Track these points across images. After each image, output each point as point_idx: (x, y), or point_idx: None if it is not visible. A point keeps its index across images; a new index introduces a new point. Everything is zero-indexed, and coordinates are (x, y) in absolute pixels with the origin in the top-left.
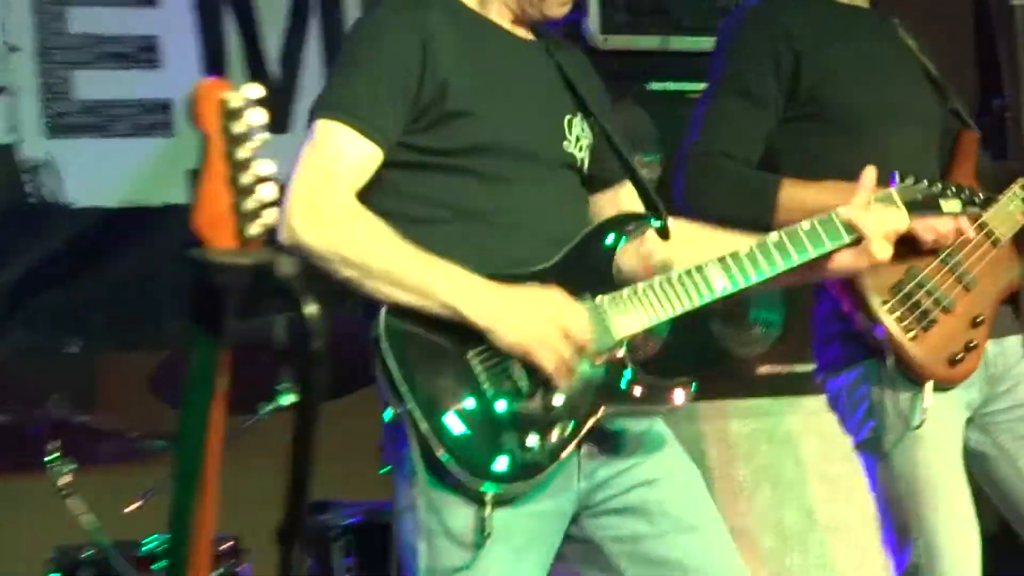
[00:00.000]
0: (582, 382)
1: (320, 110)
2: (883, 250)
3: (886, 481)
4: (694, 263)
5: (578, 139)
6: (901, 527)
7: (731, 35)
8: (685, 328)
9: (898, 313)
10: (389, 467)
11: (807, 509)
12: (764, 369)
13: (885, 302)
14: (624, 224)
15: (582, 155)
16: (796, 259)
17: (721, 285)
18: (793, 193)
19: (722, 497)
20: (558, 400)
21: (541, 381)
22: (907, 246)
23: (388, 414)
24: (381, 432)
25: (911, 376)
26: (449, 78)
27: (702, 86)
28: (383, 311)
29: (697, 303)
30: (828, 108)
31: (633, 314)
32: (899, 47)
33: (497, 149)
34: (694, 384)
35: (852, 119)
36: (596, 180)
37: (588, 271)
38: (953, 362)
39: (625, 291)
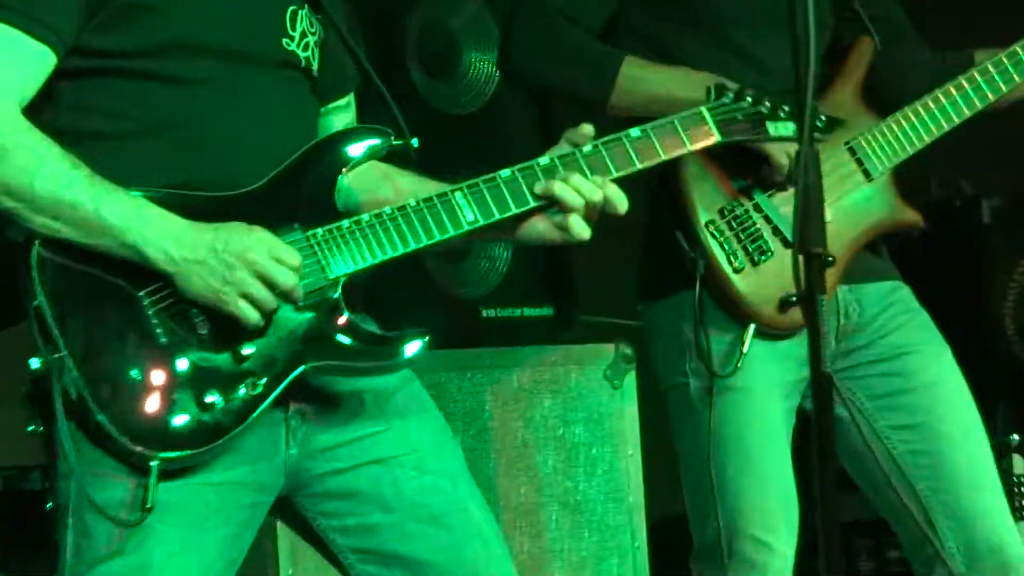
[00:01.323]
0: (281, 329)
1: None
2: (582, 228)
3: (690, 437)
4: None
5: (304, 35)
6: (702, 496)
7: None
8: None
9: (724, 237)
10: (35, 426)
11: (539, 482)
12: (489, 313)
13: (710, 223)
14: (351, 141)
15: (308, 54)
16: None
17: (471, 216)
18: (635, 72)
19: None
20: (248, 350)
21: (227, 327)
22: (750, 162)
23: (35, 362)
24: (29, 383)
25: (733, 315)
26: None
27: None
28: (37, 240)
29: (436, 237)
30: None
31: (354, 250)
32: None
33: (190, 47)
34: (426, 336)
35: (701, 11)
36: (327, 88)
37: (303, 198)
38: (785, 305)
39: (346, 223)
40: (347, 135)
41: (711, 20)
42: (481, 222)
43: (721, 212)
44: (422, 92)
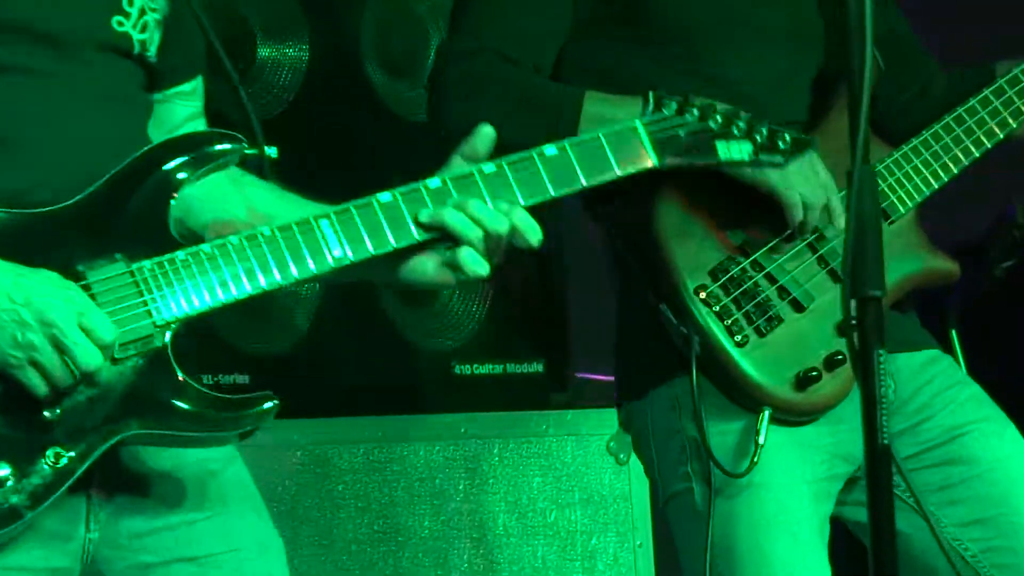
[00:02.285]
0: (94, 387)
1: None
2: (478, 264)
3: (699, 556)
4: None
5: (143, 13)
6: None
7: None
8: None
9: (720, 306)
10: None
11: None
12: (464, 369)
13: (701, 288)
14: (193, 149)
15: (144, 36)
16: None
17: (339, 252)
18: (599, 109)
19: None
20: (50, 414)
21: (18, 389)
22: (741, 200)
23: None
24: None
25: (741, 402)
26: None
27: None
28: None
29: (292, 277)
30: (641, 6)
31: (189, 289)
32: None
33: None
34: (275, 401)
35: (675, 29)
36: (170, 69)
37: (129, 220)
38: (803, 382)
39: (181, 254)
40: (187, 141)
41: (680, 36)
42: (351, 259)
43: (713, 274)
44: (380, 93)
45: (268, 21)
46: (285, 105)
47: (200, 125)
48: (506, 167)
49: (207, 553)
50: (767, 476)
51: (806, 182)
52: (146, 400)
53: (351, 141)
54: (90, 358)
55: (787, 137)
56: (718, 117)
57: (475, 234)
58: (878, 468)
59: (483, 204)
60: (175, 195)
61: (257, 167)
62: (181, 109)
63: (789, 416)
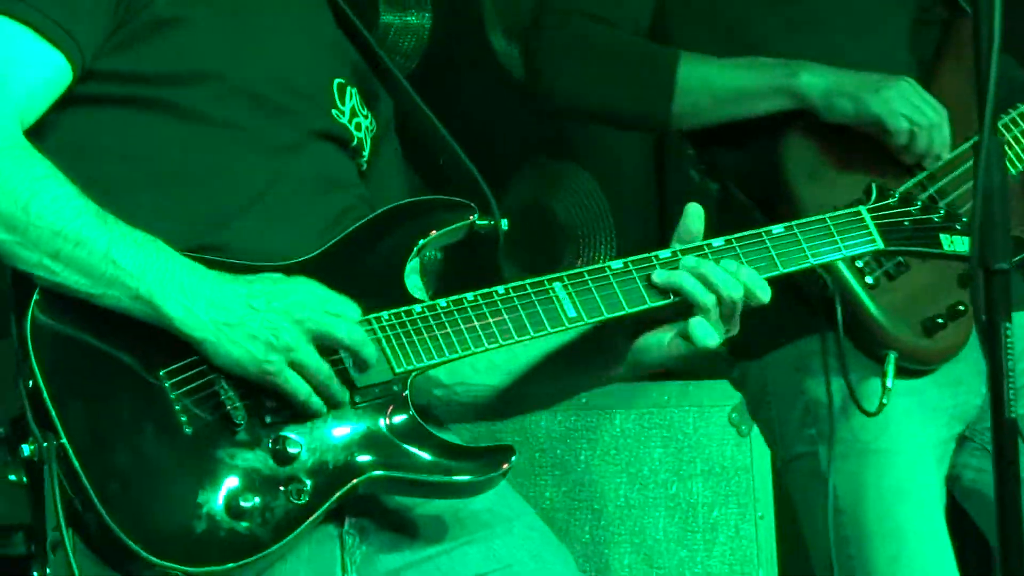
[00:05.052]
0: (335, 427)
1: None
2: (709, 335)
3: (822, 520)
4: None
5: (354, 114)
6: None
7: None
8: None
9: None
10: (16, 476)
11: (647, 551)
12: None
13: None
14: (431, 215)
15: (360, 135)
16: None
17: (573, 313)
18: (696, 70)
19: None
20: (294, 449)
21: (270, 418)
22: (869, 150)
23: (26, 448)
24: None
25: (866, 345)
26: None
27: None
28: (34, 298)
29: (528, 335)
30: None
31: (427, 343)
32: None
33: (223, 80)
34: (515, 454)
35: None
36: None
37: (367, 274)
38: (929, 329)
39: (418, 308)
40: (425, 207)
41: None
42: (584, 320)
43: None
44: (502, 60)
45: None
46: (407, 72)
47: None
48: (736, 244)
49: (475, 574)
50: (896, 443)
51: (911, 107)
52: (385, 445)
53: (472, 108)
54: (352, 333)
55: (957, 225)
56: (941, 211)
57: (709, 299)
58: (1004, 441)
59: (717, 268)
60: (414, 252)
61: (492, 238)
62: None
63: (913, 362)
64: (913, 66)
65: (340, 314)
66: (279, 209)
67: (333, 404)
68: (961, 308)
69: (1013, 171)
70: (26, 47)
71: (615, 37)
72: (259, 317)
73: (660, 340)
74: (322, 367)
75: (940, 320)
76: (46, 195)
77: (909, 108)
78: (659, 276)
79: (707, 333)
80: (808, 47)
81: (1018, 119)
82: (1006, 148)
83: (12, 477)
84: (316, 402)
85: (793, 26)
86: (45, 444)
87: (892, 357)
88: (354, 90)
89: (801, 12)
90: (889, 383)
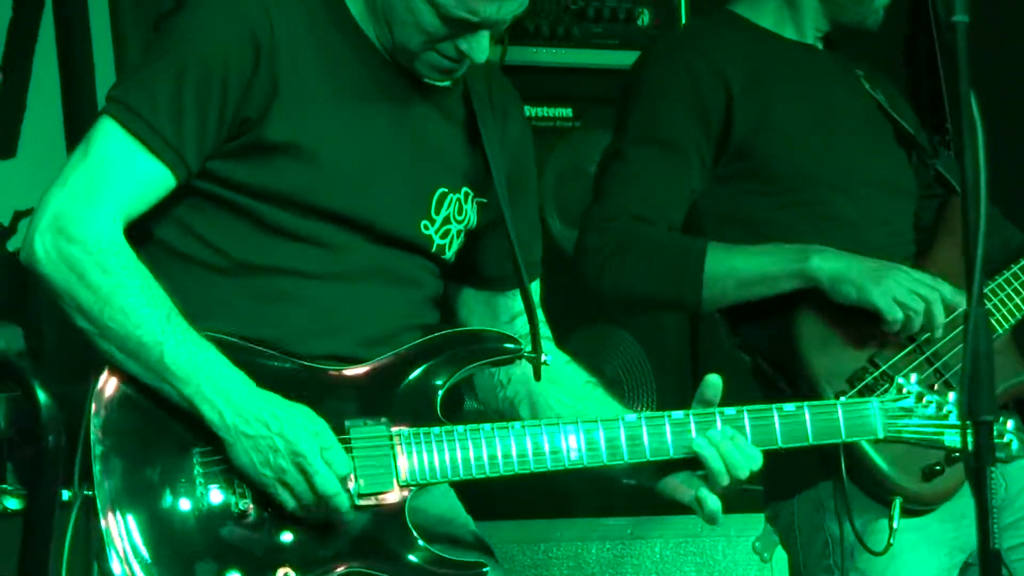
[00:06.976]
0: (331, 522)
1: (112, 103)
2: (714, 505)
3: None
4: (556, 412)
5: (447, 221)
6: None
7: (641, 72)
8: None
9: None
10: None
11: None
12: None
13: (840, 394)
14: (473, 346)
15: (444, 241)
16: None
17: (576, 456)
18: (722, 259)
19: None
20: (287, 536)
21: (271, 506)
22: (871, 324)
23: (66, 493)
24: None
25: (873, 491)
26: (278, 98)
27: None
28: (108, 365)
29: (529, 469)
30: (767, 164)
31: (432, 461)
32: (861, 98)
33: (311, 208)
34: (488, 570)
35: (796, 180)
36: (472, 274)
37: (404, 392)
38: (929, 475)
39: (437, 429)
40: (473, 336)
41: (802, 186)
42: (585, 464)
43: (850, 381)
44: (559, 240)
45: None
46: None
47: (523, 321)
48: (746, 415)
49: None
50: (901, 571)
51: (908, 295)
52: (376, 546)
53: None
54: (329, 485)
55: (1013, 444)
56: (952, 411)
57: (719, 468)
58: (991, 568)
59: (734, 445)
60: (452, 379)
61: (534, 369)
62: (515, 304)
63: (917, 504)
64: (909, 238)
65: (330, 462)
66: (330, 314)
67: (320, 518)
68: (956, 455)
69: (1006, 325)
70: (135, 157)
71: (654, 234)
72: (268, 437)
73: (687, 483)
74: (307, 495)
75: (938, 467)
76: (122, 301)
77: (906, 296)
78: (676, 437)
79: (714, 503)
80: (831, 241)
81: (1011, 278)
82: (1006, 300)
83: (9, 504)
84: (303, 513)
85: (813, 224)
86: (79, 493)
87: (898, 502)
88: (455, 196)
89: (822, 208)
90: (895, 524)
